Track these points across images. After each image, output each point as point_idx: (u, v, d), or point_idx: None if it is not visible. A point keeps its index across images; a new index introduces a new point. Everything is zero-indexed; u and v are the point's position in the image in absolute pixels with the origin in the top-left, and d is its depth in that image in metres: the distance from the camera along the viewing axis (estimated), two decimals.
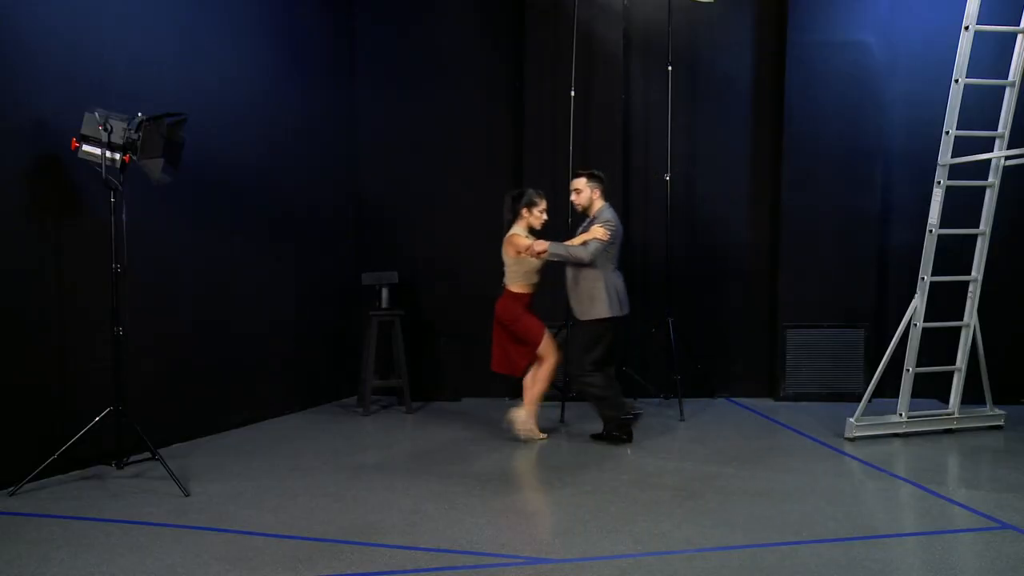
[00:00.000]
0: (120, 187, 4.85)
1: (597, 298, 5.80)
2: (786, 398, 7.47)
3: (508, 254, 5.94)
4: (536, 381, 6.06)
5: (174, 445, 5.77)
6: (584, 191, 5.96)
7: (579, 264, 5.81)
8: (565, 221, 7.24)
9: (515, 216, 6.01)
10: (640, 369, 7.62)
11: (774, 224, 7.59)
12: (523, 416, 6.03)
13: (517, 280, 5.98)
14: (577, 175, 6.07)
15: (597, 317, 5.80)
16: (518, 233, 5.95)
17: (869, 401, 6.14)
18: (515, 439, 5.99)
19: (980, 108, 6.19)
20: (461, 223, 7.74)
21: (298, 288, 7.12)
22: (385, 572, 3.63)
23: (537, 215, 5.99)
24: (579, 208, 6.05)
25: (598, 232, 5.78)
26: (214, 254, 6.25)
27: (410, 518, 4.34)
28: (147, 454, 5.04)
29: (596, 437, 6.04)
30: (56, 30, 5.04)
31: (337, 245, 7.64)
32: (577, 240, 5.86)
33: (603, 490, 4.81)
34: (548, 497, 4.67)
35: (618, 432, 5.94)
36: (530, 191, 6.04)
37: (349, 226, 7.79)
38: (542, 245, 5.76)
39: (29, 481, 4.70)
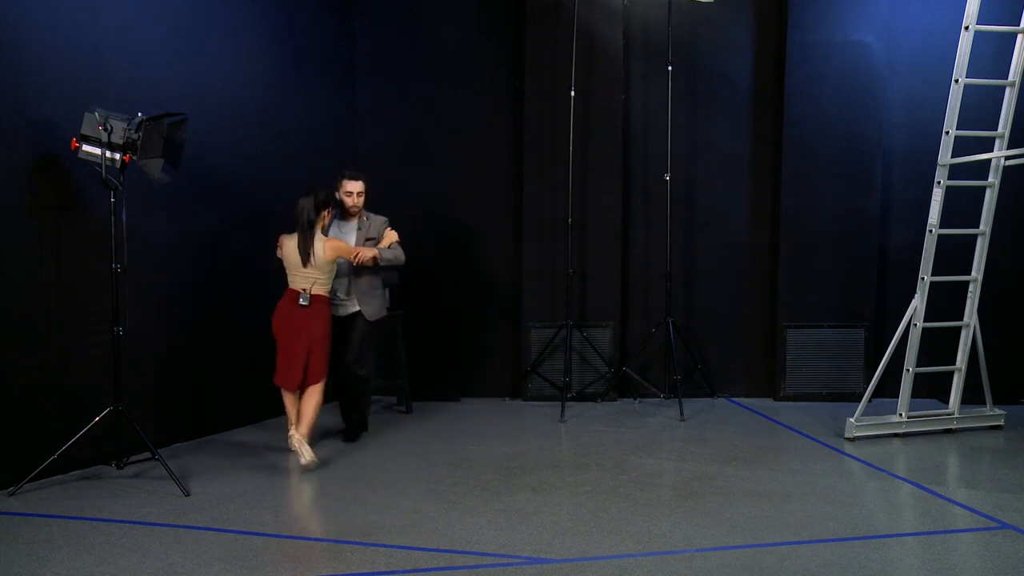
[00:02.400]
0: (120, 187, 4.85)
1: (382, 299, 6.03)
2: (786, 398, 7.47)
3: (328, 258, 5.44)
4: (316, 404, 5.53)
5: (174, 445, 5.78)
6: (363, 195, 5.85)
7: (389, 267, 5.94)
8: (566, 221, 7.26)
9: (318, 216, 5.46)
10: (640, 369, 7.63)
11: (774, 224, 7.59)
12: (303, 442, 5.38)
13: (327, 287, 5.52)
14: (356, 178, 5.82)
15: (382, 316, 6.00)
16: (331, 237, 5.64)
17: (869, 401, 6.14)
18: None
19: (980, 108, 6.19)
20: (461, 223, 7.75)
21: None
22: (385, 572, 3.63)
23: (329, 216, 5.63)
24: (355, 210, 5.83)
25: (395, 236, 5.90)
26: (214, 254, 6.25)
27: (410, 518, 4.34)
28: (147, 454, 5.04)
29: (350, 437, 6.11)
30: (56, 30, 5.03)
31: None
32: (385, 243, 5.85)
33: (603, 490, 4.81)
34: (548, 497, 4.67)
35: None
36: (329, 189, 5.68)
37: None
38: (372, 252, 5.68)
39: (29, 481, 4.70)
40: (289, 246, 5.47)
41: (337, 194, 5.78)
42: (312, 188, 5.49)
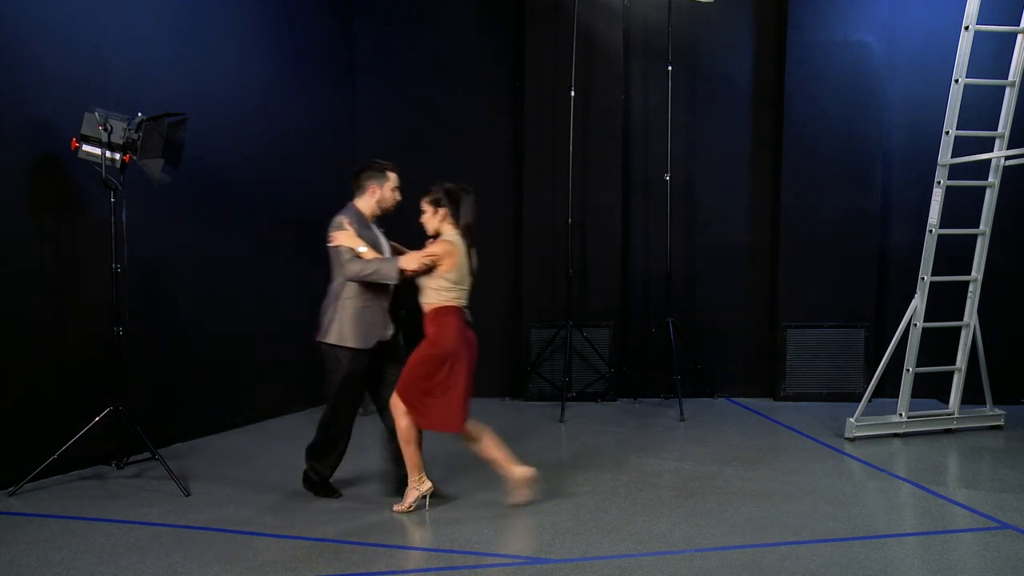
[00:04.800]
0: (120, 187, 4.85)
1: None
2: (786, 398, 7.47)
3: None
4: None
5: (174, 445, 5.77)
6: None
7: None
8: (566, 221, 7.25)
9: None
10: (640, 369, 7.62)
11: (774, 224, 7.59)
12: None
13: None
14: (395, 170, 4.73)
15: None
16: None
17: (869, 401, 6.14)
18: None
19: (980, 108, 6.19)
20: None
21: (298, 288, 7.11)
22: (385, 572, 3.63)
23: None
24: (392, 210, 4.78)
25: None
26: (214, 254, 6.24)
27: (410, 518, 4.34)
28: (147, 454, 5.04)
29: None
30: (56, 30, 5.04)
31: None
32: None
33: (603, 490, 4.81)
34: (548, 497, 4.67)
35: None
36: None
37: None
38: None
39: (29, 481, 4.69)
40: (460, 253, 4.43)
41: (378, 190, 4.63)
42: (461, 185, 4.53)
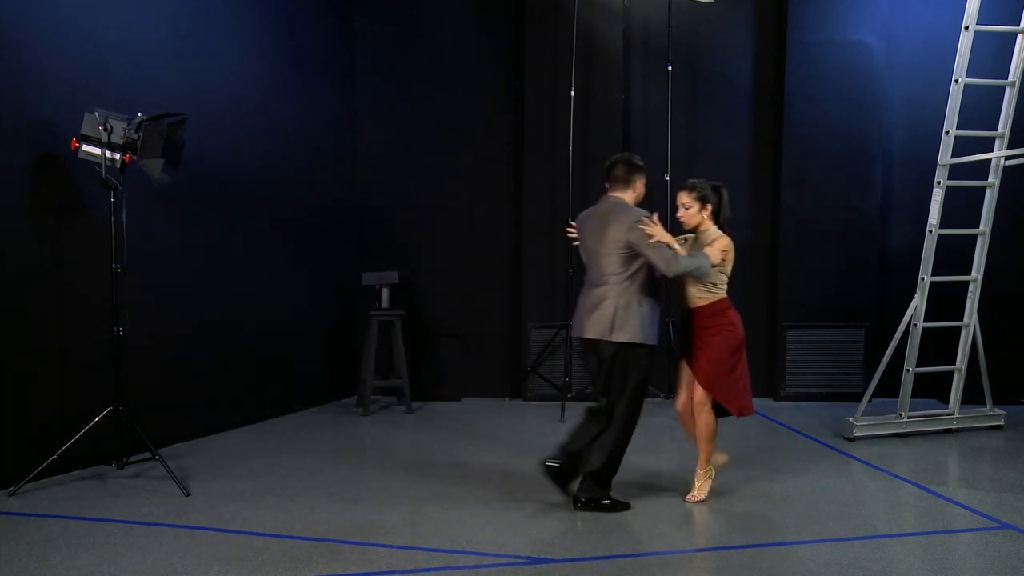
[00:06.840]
0: (120, 187, 4.85)
1: None
2: (786, 398, 7.47)
3: None
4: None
5: (174, 445, 5.77)
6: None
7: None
8: (566, 221, 7.24)
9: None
10: None
11: (774, 224, 7.59)
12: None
13: None
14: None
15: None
16: None
17: (869, 401, 6.14)
18: None
19: (980, 108, 6.19)
20: (461, 223, 7.74)
21: (298, 288, 7.13)
22: (385, 572, 3.63)
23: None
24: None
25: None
26: (214, 254, 6.24)
27: (410, 518, 4.34)
28: (147, 454, 5.04)
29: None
30: (56, 30, 5.03)
31: (337, 245, 7.64)
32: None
33: None
34: (548, 497, 4.66)
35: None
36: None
37: (349, 226, 7.79)
38: None
39: (29, 481, 4.69)
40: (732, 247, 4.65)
41: (639, 186, 4.56)
42: (715, 182, 4.69)
